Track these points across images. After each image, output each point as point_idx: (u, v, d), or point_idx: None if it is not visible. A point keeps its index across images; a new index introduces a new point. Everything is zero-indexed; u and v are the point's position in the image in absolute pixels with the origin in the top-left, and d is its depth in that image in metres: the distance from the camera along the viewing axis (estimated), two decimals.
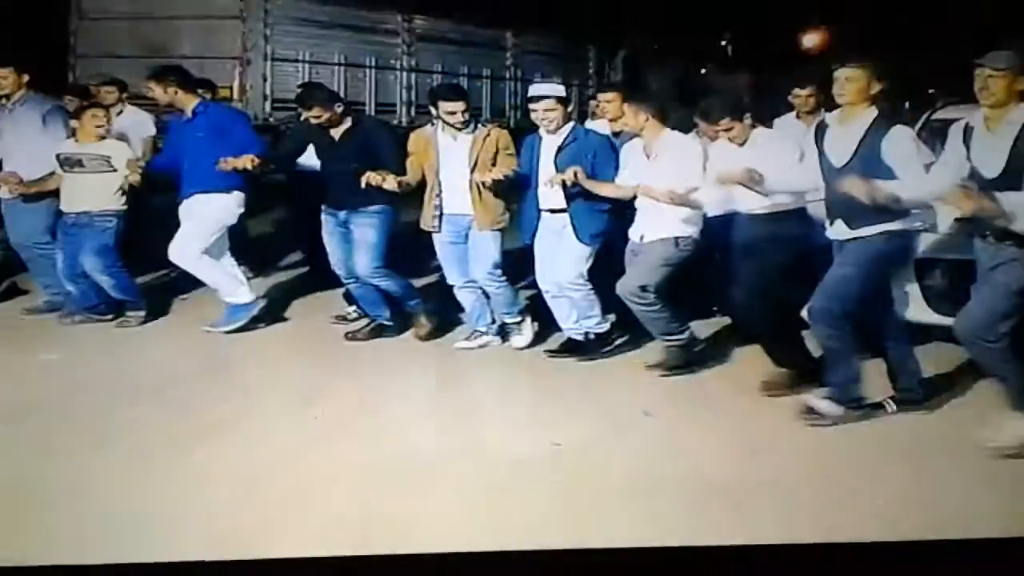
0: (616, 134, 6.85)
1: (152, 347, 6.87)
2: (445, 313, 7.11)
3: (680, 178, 5.95)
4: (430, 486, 4.53)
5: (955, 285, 5.94)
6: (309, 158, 7.12)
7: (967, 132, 4.90)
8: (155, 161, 7.66)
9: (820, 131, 5.39)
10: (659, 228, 6.09)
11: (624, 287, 6.10)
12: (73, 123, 7.32)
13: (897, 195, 4.96)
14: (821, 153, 5.31)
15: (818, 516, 4.25)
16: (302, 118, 7.05)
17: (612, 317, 6.59)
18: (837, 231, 5.27)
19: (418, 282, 7.48)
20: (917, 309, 6.14)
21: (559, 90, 6.67)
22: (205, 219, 7.02)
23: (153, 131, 8.79)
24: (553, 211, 6.45)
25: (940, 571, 3.32)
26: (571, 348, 6.60)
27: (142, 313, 7.30)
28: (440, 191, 6.65)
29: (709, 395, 5.91)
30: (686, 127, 6.67)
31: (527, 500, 4.43)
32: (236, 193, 7.06)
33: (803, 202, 5.80)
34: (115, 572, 3.67)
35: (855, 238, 5.19)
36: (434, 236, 6.79)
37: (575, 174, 6.15)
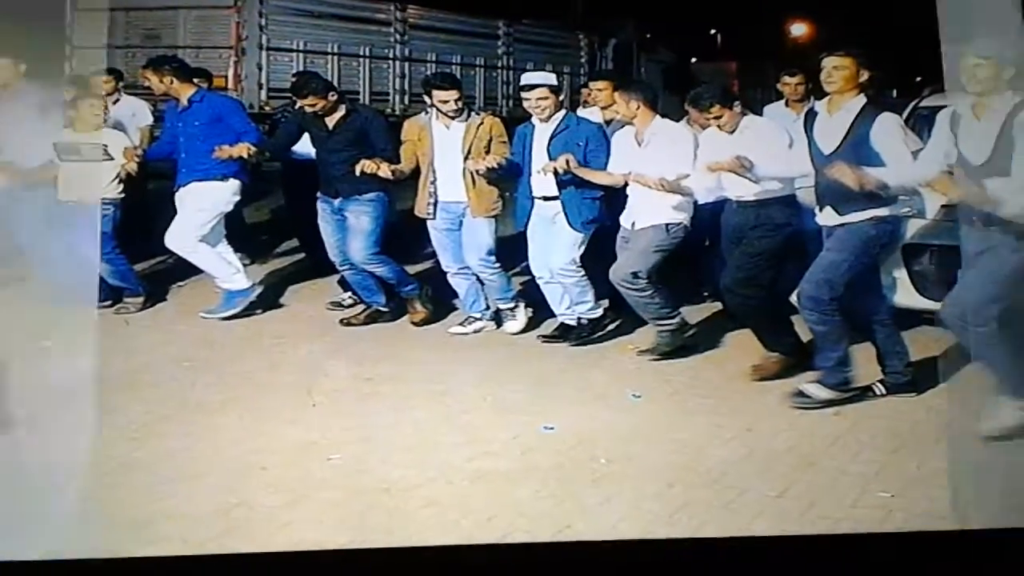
0: (608, 122, 6.89)
1: (149, 333, 6.87)
2: (440, 299, 7.14)
3: (670, 165, 5.99)
4: (425, 472, 4.53)
5: (942, 270, 6.01)
6: (304, 146, 7.16)
7: (954, 119, 4.92)
8: (152, 150, 7.67)
9: (809, 119, 5.43)
10: (650, 215, 6.12)
11: (616, 273, 6.14)
12: (70, 113, 7.31)
13: (885, 181, 5.02)
14: (810, 140, 5.36)
15: (809, 504, 4.23)
16: (297, 107, 7.10)
17: (605, 303, 6.62)
18: (826, 217, 5.32)
19: (413, 268, 7.50)
20: (905, 294, 6.19)
21: (551, 79, 6.74)
22: (201, 207, 7.04)
23: (150, 120, 8.81)
24: (546, 198, 6.47)
25: (934, 563, 3.31)
26: (564, 333, 6.64)
27: (140, 299, 7.32)
28: (434, 179, 6.69)
29: (700, 380, 5.93)
30: (677, 115, 6.73)
31: (520, 484, 4.43)
32: (232, 181, 7.08)
33: (792, 189, 5.84)
34: (115, 566, 3.58)
35: (844, 224, 5.24)
36: (428, 223, 6.83)
37: (567, 162, 6.18)
